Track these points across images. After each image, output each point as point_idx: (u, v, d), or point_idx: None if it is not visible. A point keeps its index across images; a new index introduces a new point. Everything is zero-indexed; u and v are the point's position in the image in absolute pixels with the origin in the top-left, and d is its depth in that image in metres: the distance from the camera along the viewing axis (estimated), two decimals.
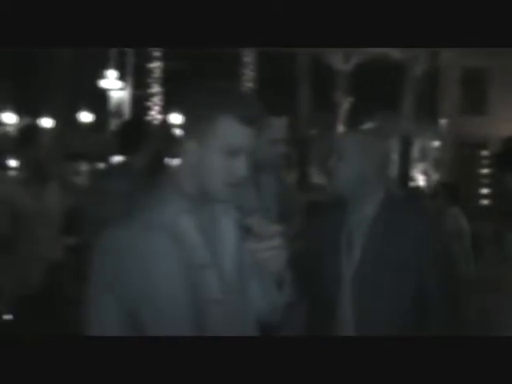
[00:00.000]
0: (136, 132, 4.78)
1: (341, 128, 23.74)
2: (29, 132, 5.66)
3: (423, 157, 27.05)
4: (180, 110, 28.33)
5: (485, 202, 24.57)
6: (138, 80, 25.76)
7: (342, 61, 24.59)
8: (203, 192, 2.13)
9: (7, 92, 26.64)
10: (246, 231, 2.06)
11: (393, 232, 2.92)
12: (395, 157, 22.15)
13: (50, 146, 5.52)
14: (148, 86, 25.72)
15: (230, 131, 2.05)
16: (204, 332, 2.11)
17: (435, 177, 24.09)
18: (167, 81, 25.42)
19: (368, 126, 24.25)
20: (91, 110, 27.78)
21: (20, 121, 27.35)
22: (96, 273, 2.13)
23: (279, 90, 22.17)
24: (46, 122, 23.31)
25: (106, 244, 2.11)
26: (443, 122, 23.21)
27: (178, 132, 20.49)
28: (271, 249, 2.03)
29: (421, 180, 26.10)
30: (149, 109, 25.51)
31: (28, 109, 25.37)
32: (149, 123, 19.23)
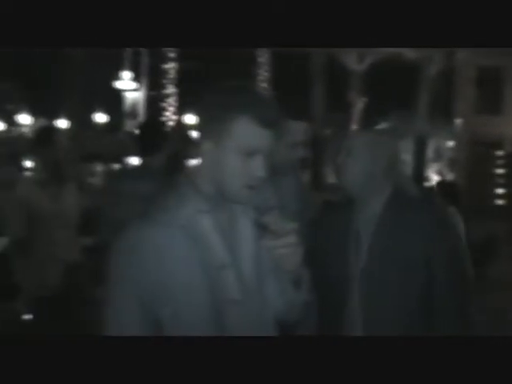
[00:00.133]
0: (155, 133, 4.79)
1: (355, 128, 23.67)
2: (47, 133, 5.67)
3: (438, 157, 26.96)
4: (196, 110, 28.39)
5: (500, 201, 24.47)
6: (152, 81, 25.78)
7: (356, 61, 24.54)
8: (221, 192, 2.13)
9: (22, 93, 26.72)
10: (262, 229, 2.07)
11: (399, 231, 2.92)
12: (409, 157, 22.10)
13: (67, 147, 5.53)
14: (163, 86, 25.73)
15: (247, 132, 2.05)
16: (222, 332, 2.11)
17: (450, 177, 24.00)
18: (182, 81, 25.42)
19: (382, 125, 24.24)
20: (106, 110, 27.81)
21: (35, 122, 27.42)
22: (115, 273, 2.13)
23: (293, 91, 22.17)
24: (62, 123, 23.36)
25: (125, 244, 2.11)
26: (458, 121, 23.12)
27: (194, 133, 20.52)
28: (287, 246, 2.04)
29: (435, 180, 26.01)
30: (164, 109, 25.52)
31: (43, 110, 25.43)
32: (166, 124, 19.26)
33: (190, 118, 25.06)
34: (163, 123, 11.34)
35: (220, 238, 2.14)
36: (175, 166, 4.78)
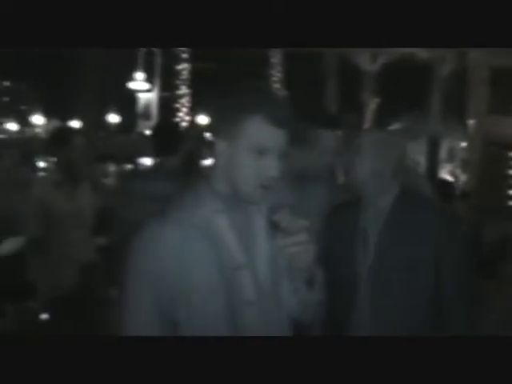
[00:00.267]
0: (171, 134, 4.79)
1: (365, 128, 23.61)
2: (62, 134, 5.68)
3: (451, 157, 26.85)
4: (209, 110, 28.42)
5: None
6: (165, 81, 25.80)
7: (368, 61, 24.46)
8: (235, 192, 2.14)
9: (36, 93, 26.81)
10: (273, 227, 2.08)
11: (406, 230, 2.92)
12: (422, 157, 22.01)
13: (82, 147, 5.55)
14: (176, 87, 25.74)
15: (259, 131, 2.06)
16: (237, 333, 2.12)
17: (463, 177, 23.90)
18: (195, 82, 25.44)
19: (395, 126, 24.15)
20: (119, 111, 27.85)
21: (48, 122, 27.50)
22: (131, 273, 2.15)
23: (306, 91, 22.13)
24: (75, 124, 23.42)
25: (142, 244, 2.12)
26: (471, 122, 23.03)
27: (207, 133, 20.53)
28: (298, 244, 2.04)
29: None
30: (177, 110, 25.54)
31: (56, 110, 25.50)
32: (180, 125, 19.29)
33: (203, 119, 25.07)
34: (178, 124, 11.32)
35: (236, 238, 2.15)
36: (190, 166, 4.79)
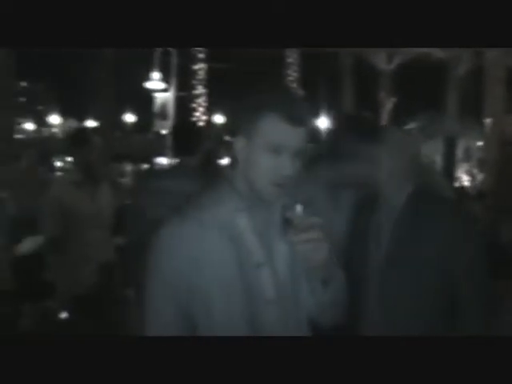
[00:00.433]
0: (190, 134, 4.80)
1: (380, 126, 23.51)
2: (82, 134, 5.70)
3: (467, 157, 26.79)
4: (225, 110, 28.46)
5: None
6: (182, 81, 25.82)
7: (384, 61, 24.44)
8: (253, 191, 2.14)
9: (53, 94, 26.93)
10: (286, 224, 2.07)
11: (417, 229, 2.90)
12: (439, 157, 21.97)
13: (100, 147, 5.57)
14: (192, 86, 25.79)
15: (275, 129, 2.06)
16: (257, 331, 2.12)
17: (479, 177, 23.83)
18: (211, 81, 25.48)
19: (411, 125, 24.12)
20: (135, 111, 27.92)
21: (64, 122, 27.61)
22: (151, 272, 2.16)
23: (322, 91, 22.13)
24: (92, 124, 23.52)
25: (163, 243, 2.13)
26: (487, 121, 22.93)
27: (224, 132, 20.54)
28: (310, 241, 2.02)
29: (465, 180, 25.85)
30: (193, 110, 25.59)
31: (73, 110, 25.60)
32: (198, 124, 19.32)
33: (220, 118, 25.11)
34: (197, 124, 11.34)
35: (256, 237, 2.15)
36: (208, 165, 4.80)
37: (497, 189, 17.13)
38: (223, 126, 24.60)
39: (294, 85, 25.11)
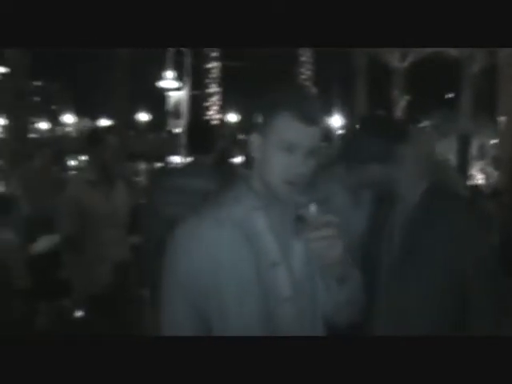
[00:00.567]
0: (205, 133, 4.80)
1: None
2: (98, 133, 5.71)
3: (482, 155, 26.70)
4: (239, 108, 28.47)
5: None
6: (195, 80, 25.86)
7: (398, 59, 24.39)
8: (269, 189, 2.14)
9: (67, 93, 27.01)
10: (300, 221, 2.06)
11: (430, 228, 2.90)
12: (453, 155, 21.91)
13: (115, 146, 5.56)
14: (205, 85, 25.83)
15: (288, 128, 2.06)
16: (273, 330, 2.12)
17: (494, 175, 23.75)
18: (224, 80, 25.52)
19: (425, 123, 24.06)
20: (149, 110, 27.96)
21: (79, 122, 27.69)
22: (168, 271, 2.16)
23: (335, 89, 22.12)
24: (106, 123, 23.56)
25: (180, 242, 2.13)
26: (501, 119, 22.83)
27: (238, 130, 20.57)
28: (324, 238, 2.01)
29: (479, 178, 25.77)
30: (207, 108, 25.63)
31: (87, 110, 25.68)
32: (212, 123, 19.35)
33: (233, 117, 25.12)
34: (211, 123, 11.34)
35: (272, 236, 2.15)
36: (223, 164, 4.80)
37: (511, 187, 17.08)
38: (237, 124, 24.58)
39: (308, 83, 25.10)
